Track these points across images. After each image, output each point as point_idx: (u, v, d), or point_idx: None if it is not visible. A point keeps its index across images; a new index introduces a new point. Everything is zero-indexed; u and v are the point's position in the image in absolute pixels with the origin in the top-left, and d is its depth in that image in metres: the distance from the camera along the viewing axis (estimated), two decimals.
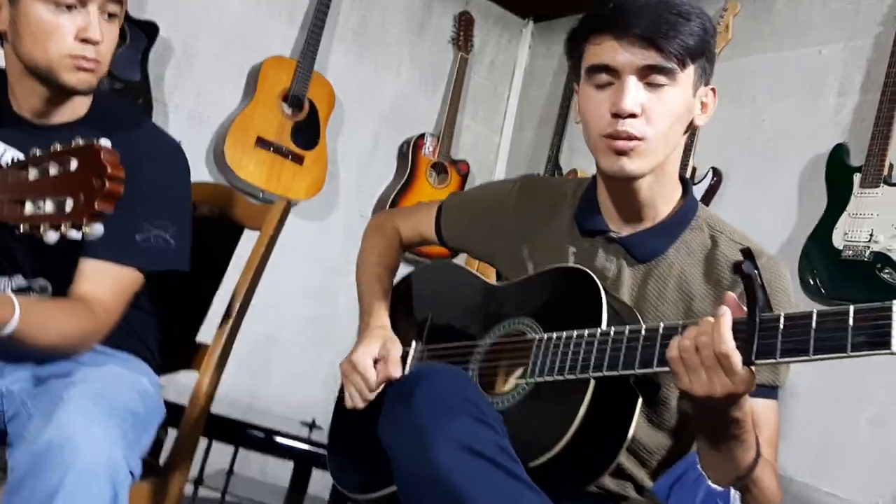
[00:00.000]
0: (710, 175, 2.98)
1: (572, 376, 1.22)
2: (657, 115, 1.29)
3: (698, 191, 2.98)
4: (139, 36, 2.90)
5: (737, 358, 1.06)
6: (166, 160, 1.54)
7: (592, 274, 1.30)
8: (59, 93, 1.48)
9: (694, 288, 1.36)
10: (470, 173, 3.66)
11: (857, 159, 2.62)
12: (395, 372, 1.41)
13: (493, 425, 1.12)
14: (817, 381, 2.54)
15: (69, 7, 1.41)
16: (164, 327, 1.66)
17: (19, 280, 1.42)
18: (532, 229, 1.50)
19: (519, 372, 1.32)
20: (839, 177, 2.64)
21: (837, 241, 2.58)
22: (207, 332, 1.79)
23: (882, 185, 2.54)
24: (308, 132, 3.23)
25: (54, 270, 1.44)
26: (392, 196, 3.48)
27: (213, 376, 1.68)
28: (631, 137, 1.28)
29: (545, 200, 1.52)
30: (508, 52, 3.89)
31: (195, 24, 3.11)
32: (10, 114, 1.52)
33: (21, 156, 1.49)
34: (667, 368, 1.13)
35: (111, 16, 1.45)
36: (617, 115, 1.28)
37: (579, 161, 3.47)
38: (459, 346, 1.42)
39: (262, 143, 3.11)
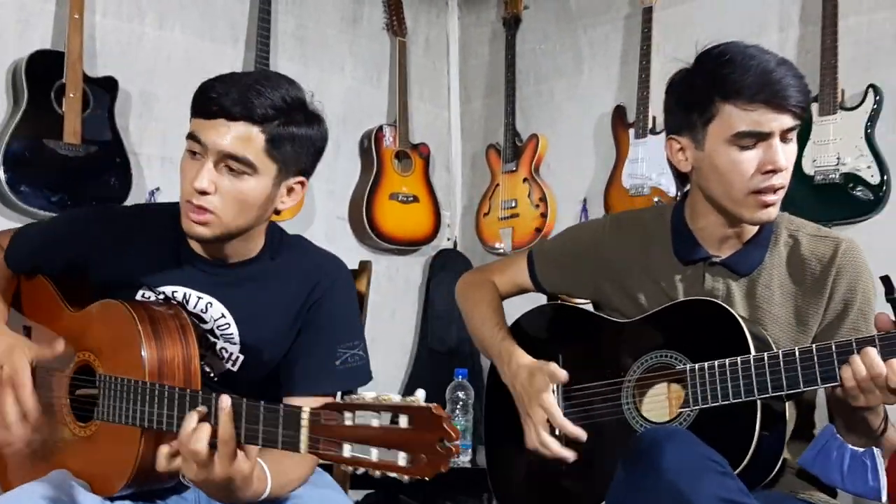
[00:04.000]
0: None
1: (738, 400, 1.39)
2: (790, 164, 1.47)
3: (662, 139, 3.18)
4: (101, 94, 2.84)
5: None
6: (340, 280, 1.63)
7: (726, 306, 1.47)
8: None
9: (794, 286, 1.56)
10: (430, 154, 3.76)
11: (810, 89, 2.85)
12: (564, 377, 1.58)
13: (730, 473, 1.29)
14: None
15: (196, 155, 1.47)
16: None
17: None
18: (632, 264, 1.65)
19: (678, 397, 1.48)
20: None
21: (808, 168, 2.82)
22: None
23: (839, 110, 2.79)
24: None
25: None
26: (366, 193, 3.54)
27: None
28: (781, 189, 1.47)
29: (636, 235, 1.68)
30: (439, 26, 3.95)
31: (146, 68, 3.05)
32: (190, 254, 1.57)
33: (201, 295, 1.55)
34: (831, 384, 1.33)
35: (233, 171, 1.46)
36: (771, 172, 1.46)
37: (537, 125, 3.60)
38: (606, 384, 1.57)
39: None
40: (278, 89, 1.45)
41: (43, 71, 2.72)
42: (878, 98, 2.74)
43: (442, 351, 3.70)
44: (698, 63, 1.57)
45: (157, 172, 3.03)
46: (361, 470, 1.11)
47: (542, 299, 1.86)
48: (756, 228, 1.58)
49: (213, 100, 1.42)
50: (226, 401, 1.24)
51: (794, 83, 1.47)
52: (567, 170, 3.52)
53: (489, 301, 1.79)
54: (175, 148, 3.06)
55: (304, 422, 1.17)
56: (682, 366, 1.48)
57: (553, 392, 1.59)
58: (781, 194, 1.51)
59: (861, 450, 1.43)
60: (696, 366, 1.45)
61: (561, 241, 1.82)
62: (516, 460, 1.71)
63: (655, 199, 3.14)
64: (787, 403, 1.43)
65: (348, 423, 1.12)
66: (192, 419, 1.26)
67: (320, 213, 3.50)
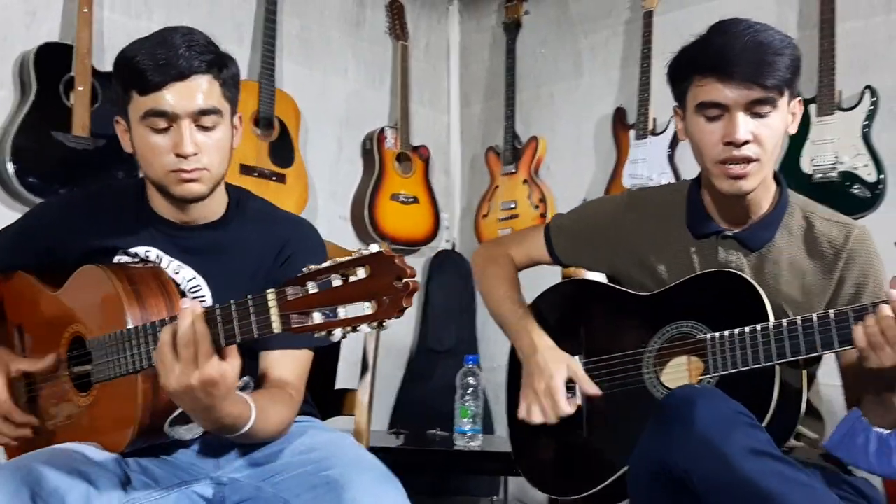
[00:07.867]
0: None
1: (757, 366, 1.43)
2: (765, 138, 1.50)
3: (663, 139, 3.24)
4: (109, 89, 2.86)
5: None
6: (309, 240, 1.65)
7: (746, 276, 1.50)
8: (181, 202, 1.56)
9: (803, 265, 1.60)
10: (430, 156, 3.80)
11: (808, 91, 2.91)
12: (593, 389, 1.60)
13: (759, 426, 1.32)
14: None
15: (162, 130, 1.49)
16: (311, 382, 1.76)
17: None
18: (650, 238, 1.69)
19: (697, 369, 1.51)
20: None
21: (806, 167, 2.88)
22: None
23: (836, 111, 2.85)
24: (283, 150, 3.28)
25: (248, 367, 1.50)
26: (368, 194, 3.57)
27: (367, 417, 1.81)
28: (747, 160, 1.49)
29: (654, 211, 1.71)
30: (440, 31, 4.01)
31: None
32: (158, 219, 1.60)
33: (171, 259, 1.58)
34: (847, 347, 1.36)
35: (206, 128, 1.50)
36: (730, 144, 1.49)
37: (537, 128, 3.66)
38: (628, 355, 1.60)
39: (245, 170, 3.14)
40: (199, 36, 1.51)
41: (51, 64, 2.74)
42: (874, 99, 2.81)
43: (440, 351, 3.72)
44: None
45: None
46: (338, 333, 1.13)
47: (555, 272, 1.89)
48: (768, 206, 1.61)
49: (160, 68, 1.45)
50: (191, 302, 1.27)
51: (753, 59, 1.46)
52: (566, 171, 3.57)
53: (507, 277, 1.82)
54: None
55: (272, 302, 1.19)
56: (703, 335, 1.51)
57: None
58: (753, 168, 1.51)
59: (887, 432, 1.45)
60: (717, 334, 1.49)
61: (578, 215, 1.84)
62: (539, 434, 1.73)
63: None
64: (803, 373, 1.46)
65: (312, 291, 1.15)
66: (165, 332, 1.28)
67: (322, 213, 3.52)
